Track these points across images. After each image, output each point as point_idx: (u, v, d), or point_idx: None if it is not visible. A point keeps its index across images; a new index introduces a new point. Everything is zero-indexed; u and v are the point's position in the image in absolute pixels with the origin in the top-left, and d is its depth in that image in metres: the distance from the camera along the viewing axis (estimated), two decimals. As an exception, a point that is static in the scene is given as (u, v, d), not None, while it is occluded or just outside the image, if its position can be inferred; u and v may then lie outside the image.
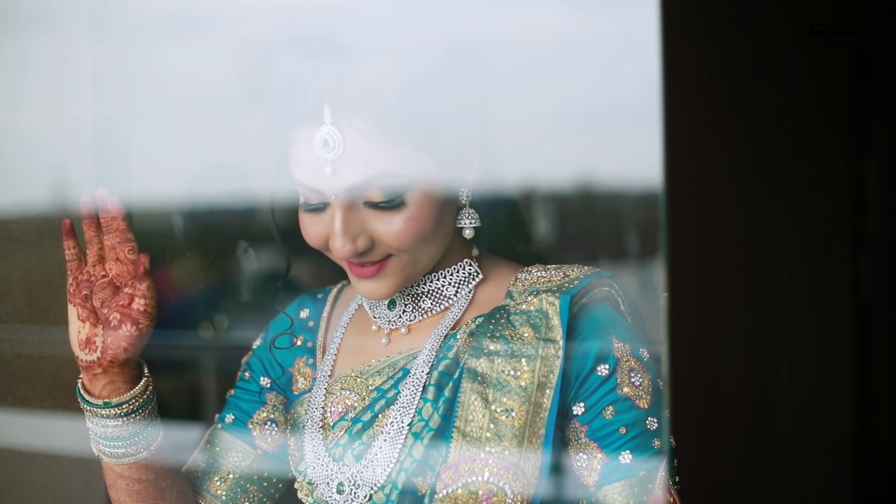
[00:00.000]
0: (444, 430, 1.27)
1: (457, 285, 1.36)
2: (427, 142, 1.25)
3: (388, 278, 1.29)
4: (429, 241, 1.28)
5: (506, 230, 1.43)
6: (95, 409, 1.29)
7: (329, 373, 1.40)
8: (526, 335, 1.28)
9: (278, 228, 1.38)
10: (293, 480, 1.41)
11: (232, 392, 1.49)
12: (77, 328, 1.30)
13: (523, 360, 1.27)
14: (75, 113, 1.77)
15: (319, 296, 1.51)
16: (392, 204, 1.24)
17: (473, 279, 1.37)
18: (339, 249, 1.25)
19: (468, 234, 1.33)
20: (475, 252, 1.37)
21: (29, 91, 1.76)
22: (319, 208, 1.27)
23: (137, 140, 1.81)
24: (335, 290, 1.51)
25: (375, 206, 1.24)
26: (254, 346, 1.51)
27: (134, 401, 1.29)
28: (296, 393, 1.44)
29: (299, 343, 1.46)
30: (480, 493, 1.24)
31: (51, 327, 1.68)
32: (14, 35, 1.72)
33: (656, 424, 1.27)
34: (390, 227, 1.25)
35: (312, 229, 1.29)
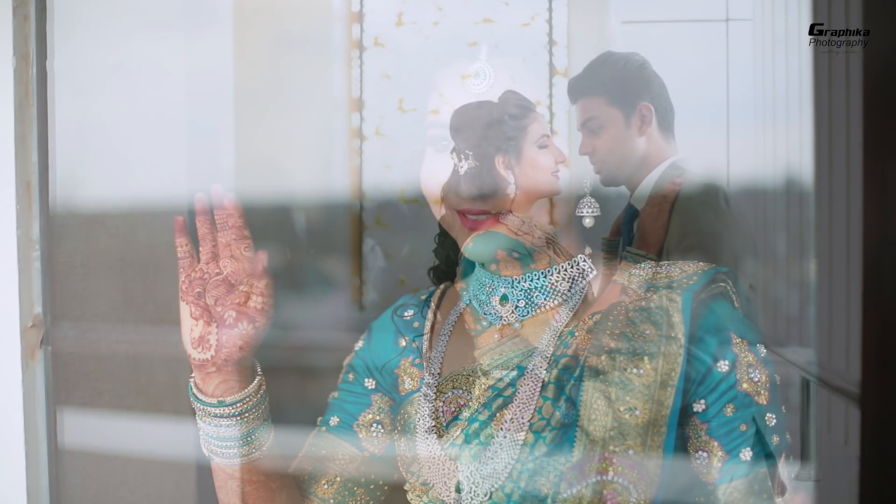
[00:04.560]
0: (566, 429, 1.25)
1: (570, 281, 1.33)
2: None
3: (498, 236, 1.27)
4: (547, 206, 1.27)
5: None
6: (209, 409, 1.27)
7: (437, 372, 1.37)
8: (647, 332, 1.26)
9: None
10: (400, 483, 1.38)
11: (335, 394, 1.46)
12: (190, 326, 1.27)
13: (645, 357, 1.25)
14: (170, 109, 1.75)
15: (423, 296, 1.48)
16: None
17: (587, 275, 1.34)
18: (465, 187, 1.24)
19: (588, 223, 1.30)
20: (588, 250, 1.35)
21: (126, 88, 1.75)
22: (449, 149, 1.27)
23: (228, 136, 1.80)
24: (439, 290, 1.48)
25: None
26: (356, 348, 1.48)
27: (248, 399, 1.27)
28: (402, 394, 1.41)
29: (404, 344, 1.43)
30: (605, 492, 1.21)
31: (146, 326, 1.66)
32: (114, 35, 1.71)
33: (775, 420, 1.26)
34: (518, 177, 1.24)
35: (436, 174, 1.28)
